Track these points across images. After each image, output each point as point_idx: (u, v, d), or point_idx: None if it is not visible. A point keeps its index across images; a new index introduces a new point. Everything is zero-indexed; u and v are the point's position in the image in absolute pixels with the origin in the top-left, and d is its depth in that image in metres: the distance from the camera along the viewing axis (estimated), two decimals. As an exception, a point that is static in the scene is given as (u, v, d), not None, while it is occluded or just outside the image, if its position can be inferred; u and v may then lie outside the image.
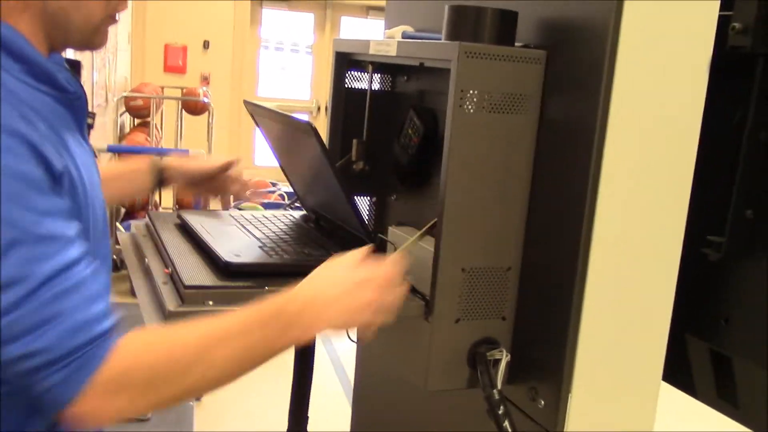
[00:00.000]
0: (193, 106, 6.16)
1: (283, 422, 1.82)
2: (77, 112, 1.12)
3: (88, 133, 1.18)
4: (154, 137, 5.56)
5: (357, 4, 8.81)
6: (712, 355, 1.29)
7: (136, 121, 6.06)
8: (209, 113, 5.84)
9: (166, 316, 1.13)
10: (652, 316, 1.23)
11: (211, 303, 1.16)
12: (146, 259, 1.35)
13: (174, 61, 8.50)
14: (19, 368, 0.90)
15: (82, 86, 1.13)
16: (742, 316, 1.23)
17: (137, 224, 1.56)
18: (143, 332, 1.00)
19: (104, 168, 1.45)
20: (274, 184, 6.43)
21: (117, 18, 1.15)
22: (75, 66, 1.04)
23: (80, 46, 1.14)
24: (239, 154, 8.77)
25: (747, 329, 1.22)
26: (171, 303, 1.15)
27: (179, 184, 1.63)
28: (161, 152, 5.62)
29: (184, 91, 6.41)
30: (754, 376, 1.22)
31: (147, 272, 1.32)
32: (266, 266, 1.26)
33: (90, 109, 1.10)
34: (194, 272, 1.22)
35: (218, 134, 8.33)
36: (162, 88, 6.70)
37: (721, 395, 1.30)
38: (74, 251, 0.95)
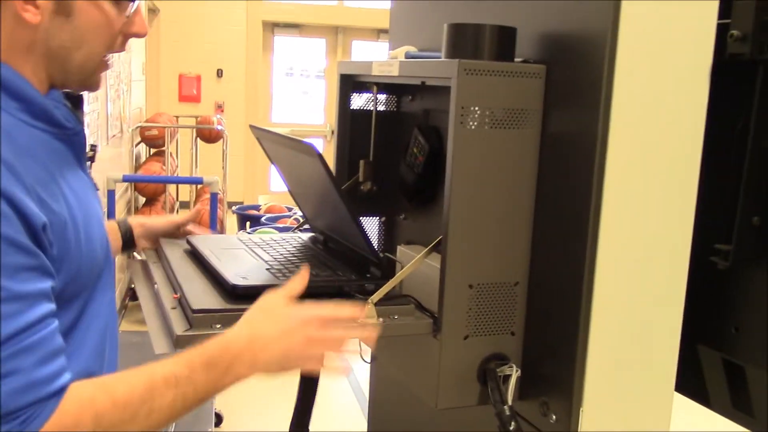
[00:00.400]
0: (208, 134, 6.22)
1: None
2: (76, 148, 1.14)
3: (89, 167, 1.20)
4: (169, 166, 5.60)
5: (367, 28, 8.88)
6: (724, 364, 1.28)
7: (152, 150, 6.12)
8: (224, 140, 5.89)
9: (175, 341, 1.14)
10: (662, 327, 1.23)
11: (219, 326, 1.16)
12: (156, 285, 1.36)
13: (188, 91, 8.60)
14: None
15: (80, 122, 1.16)
16: (752, 324, 1.22)
17: (148, 251, 1.57)
18: (89, 383, 1.02)
19: None
20: (289, 209, 6.46)
21: (110, 64, 1.18)
22: (77, 100, 1.06)
23: (78, 87, 1.17)
24: (255, 180, 8.84)
25: (758, 337, 1.21)
26: (179, 327, 1.16)
27: (146, 244, 1.62)
28: (175, 181, 5.67)
29: (199, 119, 6.47)
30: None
31: (156, 298, 1.32)
32: (273, 288, 1.26)
33: (92, 142, 1.12)
34: (202, 296, 1.23)
35: (234, 161, 8.40)
36: (177, 117, 6.77)
37: (735, 405, 1.28)
38: (38, 311, 0.96)
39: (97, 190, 1.23)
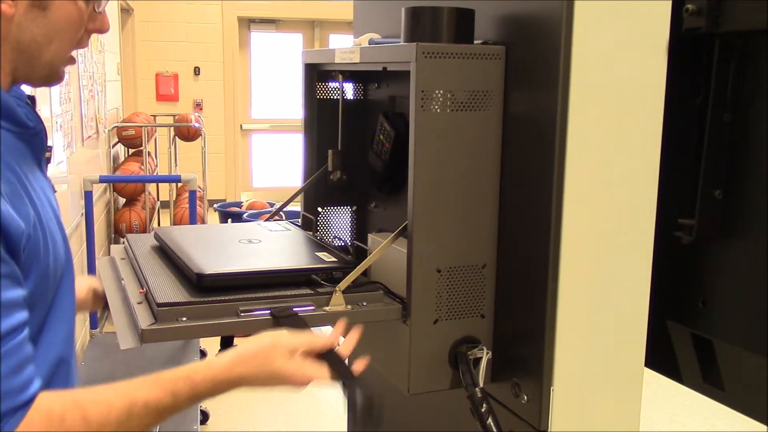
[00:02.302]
0: (186, 132, 6.18)
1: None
2: (35, 148, 1.13)
3: (46, 167, 1.19)
4: (148, 165, 5.57)
5: (344, 21, 8.86)
6: (693, 338, 1.28)
7: (130, 150, 6.07)
8: (202, 138, 5.86)
9: (140, 335, 1.13)
10: (629, 304, 1.23)
11: (185, 319, 1.16)
12: (122, 281, 1.35)
13: (166, 90, 8.55)
14: None
15: (41, 121, 1.15)
16: (719, 298, 1.22)
17: (116, 248, 1.56)
18: (60, 397, 1.01)
19: None
20: (271, 204, 6.46)
21: (74, 58, 1.16)
22: (30, 101, 1.07)
23: (41, 82, 1.14)
24: (237, 177, 8.81)
25: (724, 310, 1.21)
26: (144, 321, 1.15)
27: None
28: (152, 180, 5.63)
29: (176, 117, 6.43)
30: (736, 358, 1.21)
31: (123, 293, 1.31)
32: (240, 277, 1.25)
33: (48, 143, 1.10)
34: (167, 290, 1.22)
35: (215, 158, 8.38)
36: (154, 116, 6.73)
37: (706, 379, 1.29)
38: (13, 319, 0.96)
39: (55, 191, 1.21)
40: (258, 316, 1.20)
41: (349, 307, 1.25)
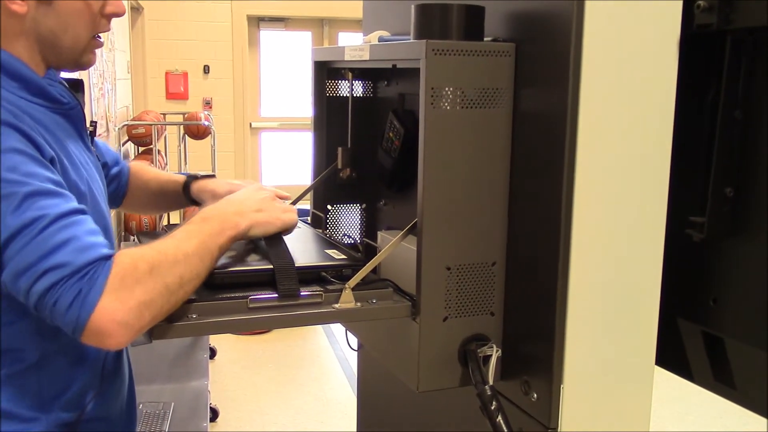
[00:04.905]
0: (195, 130, 6.19)
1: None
2: (75, 121, 1.30)
3: (91, 141, 1.36)
4: (157, 164, 5.58)
5: (353, 19, 8.85)
6: (704, 336, 1.27)
7: (140, 149, 6.09)
8: (212, 136, 5.87)
9: (150, 332, 1.13)
10: (640, 302, 1.23)
11: (194, 316, 1.16)
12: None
13: (175, 88, 8.56)
14: (40, 288, 1.04)
15: (76, 97, 1.31)
16: (730, 296, 1.22)
17: (126, 245, 1.56)
18: (131, 248, 1.13)
19: (150, 177, 1.70)
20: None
21: (101, 40, 1.30)
22: (78, 84, 1.27)
23: (72, 66, 1.29)
24: (246, 175, 8.82)
25: (736, 308, 1.21)
26: (154, 319, 1.15)
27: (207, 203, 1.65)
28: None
29: (186, 116, 6.45)
30: (748, 356, 1.21)
31: None
32: (249, 274, 1.25)
33: (92, 119, 1.28)
34: None
35: (224, 157, 8.39)
36: (164, 115, 6.75)
37: (717, 377, 1.28)
38: (74, 203, 1.11)
39: (101, 163, 1.40)
40: (266, 301, 1.20)
41: (358, 304, 1.25)
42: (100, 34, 1.29)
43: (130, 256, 1.09)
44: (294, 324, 1.22)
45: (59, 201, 1.09)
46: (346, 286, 1.24)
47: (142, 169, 1.71)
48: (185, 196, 1.64)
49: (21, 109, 1.15)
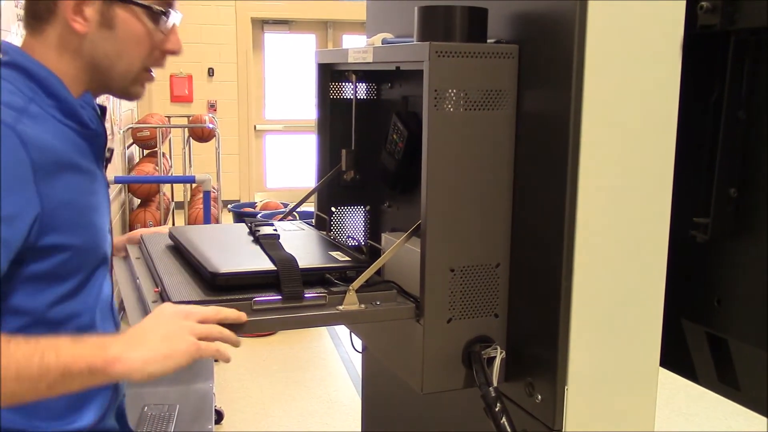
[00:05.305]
0: (200, 133, 6.20)
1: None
2: (96, 147, 1.27)
3: (105, 167, 1.33)
4: (162, 166, 5.59)
5: (357, 21, 8.86)
6: (708, 337, 1.27)
7: (145, 152, 6.11)
8: (216, 139, 5.88)
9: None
10: (643, 303, 1.23)
11: (199, 318, 1.16)
12: (138, 280, 1.36)
13: (180, 91, 8.58)
14: None
15: (104, 125, 1.30)
16: (734, 296, 1.22)
17: (131, 247, 1.57)
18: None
19: None
20: (285, 205, 6.46)
21: (153, 75, 1.29)
22: (102, 110, 1.23)
23: (119, 94, 1.31)
24: (251, 178, 8.84)
25: (740, 309, 1.21)
26: (159, 320, 1.15)
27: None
28: (166, 181, 5.66)
29: (190, 118, 6.46)
30: (752, 357, 1.21)
31: (139, 293, 1.32)
32: (254, 276, 1.26)
33: (109, 145, 1.23)
34: (182, 289, 1.23)
35: (229, 159, 8.41)
36: (168, 117, 6.76)
37: (721, 378, 1.28)
38: None
39: (108, 187, 1.34)
40: (270, 303, 1.20)
41: (362, 306, 1.25)
42: (152, 69, 1.29)
43: None
44: (298, 326, 1.22)
45: None
46: (350, 288, 1.25)
47: None
48: None
49: (36, 145, 1.11)
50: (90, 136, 1.25)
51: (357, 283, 1.25)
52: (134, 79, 1.27)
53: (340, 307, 1.24)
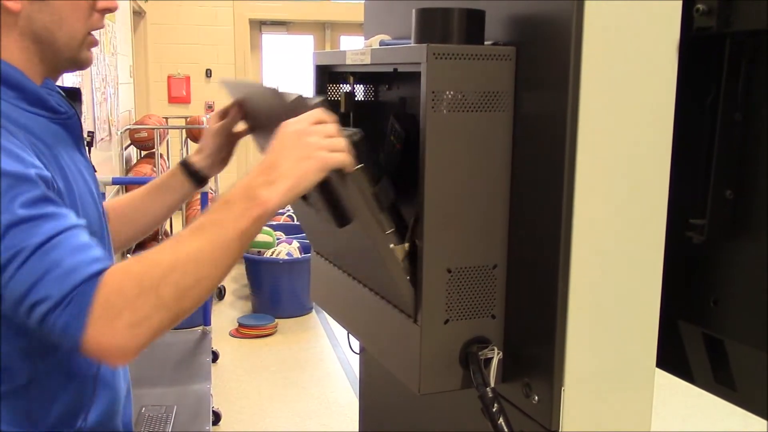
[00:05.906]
0: (198, 134, 6.21)
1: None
2: (71, 130, 1.28)
3: (87, 150, 1.31)
4: (160, 167, 5.59)
5: (355, 23, 8.87)
6: (705, 338, 1.28)
7: (142, 153, 6.11)
8: (214, 140, 5.88)
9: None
10: (640, 304, 1.23)
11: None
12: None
13: (178, 92, 8.59)
14: (34, 321, 1.03)
15: (73, 107, 1.29)
16: (731, 297, 1.22)
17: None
18: (121, 263, 1.08)
19: (142, 188, 1.61)
20: (283, 206, 6.46)
21: (96, 41, 1.29)
22: (75, 93, 1.25)
23: (71, 65, 1.28)
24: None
25: (736, 310, 1.21)
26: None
27: (215, 170, 1.64)
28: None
29: (188, 119, 6.47)
30: (748, 358, 1.21)
31: None
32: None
33: (89, 129, 1.24)
34: None
35: (226, 161, 8.39)
36: (166, 119, 6.77)
37: (718, 379, 1.29)
38: (57, 224, 1.05)
39: (95, 171, 1.35)
40: None
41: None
42: (94, 32, 1.28)
43: (118, 275, 1.04)
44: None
45: (41, 225, 1.04)
46: None
47: (114, 200, 1.66)
48: (185, 169, 1.61)
49: (15, 122, 1.14)
50: (63, 121, 1.25)
51: None
52: (80, 47, 1.26)
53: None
